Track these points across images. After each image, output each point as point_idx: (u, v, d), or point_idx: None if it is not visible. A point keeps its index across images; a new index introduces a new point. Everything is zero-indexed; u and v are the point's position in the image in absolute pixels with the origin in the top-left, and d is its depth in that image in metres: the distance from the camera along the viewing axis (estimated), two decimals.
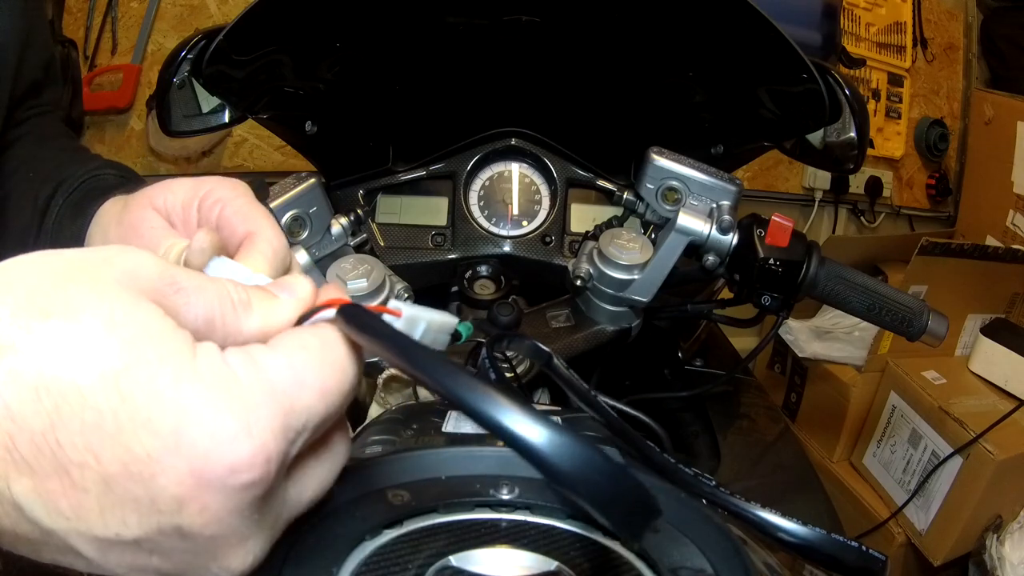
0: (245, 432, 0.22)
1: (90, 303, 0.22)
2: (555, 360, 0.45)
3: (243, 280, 0.29)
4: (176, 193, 0.37)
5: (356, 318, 0.26)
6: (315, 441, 0.26)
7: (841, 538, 0.33)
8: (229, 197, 0.35)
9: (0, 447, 0.21)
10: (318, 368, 0.25)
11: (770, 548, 0.36)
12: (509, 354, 0.60)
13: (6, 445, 0.21)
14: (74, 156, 0.64)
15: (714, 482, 0.36)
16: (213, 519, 0.22)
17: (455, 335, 0.31)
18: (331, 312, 0.27)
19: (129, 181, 0.57)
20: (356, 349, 0.26)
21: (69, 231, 0.50)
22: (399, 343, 0.24)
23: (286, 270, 0.34)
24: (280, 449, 0.23)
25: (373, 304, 0.33)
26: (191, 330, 0.24)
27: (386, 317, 0.28)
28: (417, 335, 0.29)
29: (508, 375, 0.59)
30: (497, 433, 0.21)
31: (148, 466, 0.21)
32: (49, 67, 0.67)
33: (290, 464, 0.24)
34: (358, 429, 0.44)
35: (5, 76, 0.58)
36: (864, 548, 0.33)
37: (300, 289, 0.28)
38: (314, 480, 0.26)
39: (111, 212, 0.45)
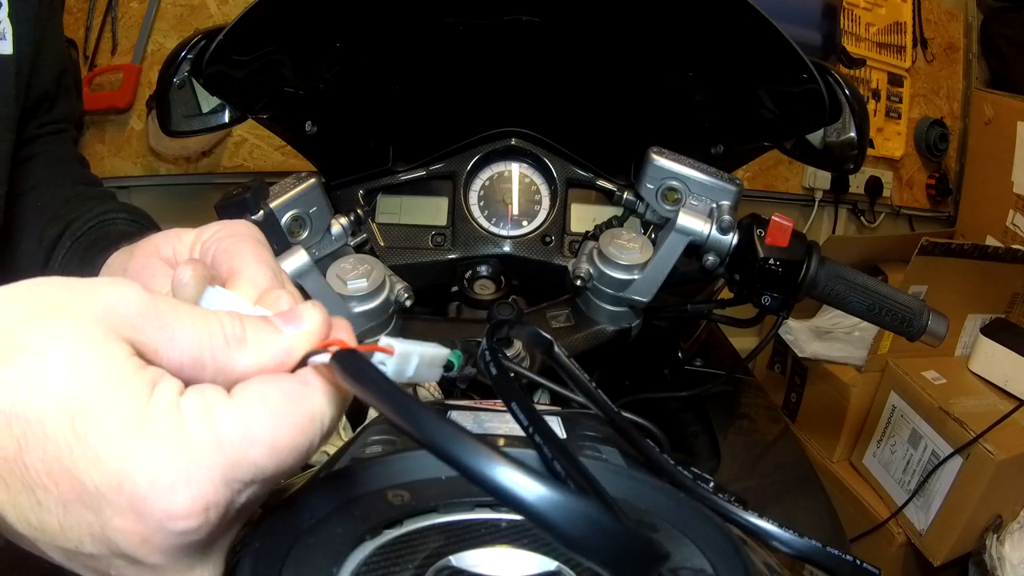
0: (184, 482, 0.23)
1: (61, 342, 0.23)
2: (556, 348, 0.45)
3: (243, 311, 0.28)
4: (183, 242, 0.36)
5: (350, 365, 0.25)
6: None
7: (835, 551, 0.33)
8: (224, 235, 0.34)
9: None
10: (272, 426, 0.24)
11: (770, 548, 0.36)
12: (509, 353, 0.60)
13: None
14: (86, 192, 0.63)
15: (712, 484, 0.36)
16: (155, 551, 0.23)
17: (447, 366, 0.31)
18: (326, 357, 0.26)
19: (141, 227, 0.57)
20: (334, 401, 0.26)
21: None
22: (396, 400, 0.24)
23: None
24: (221, 500, 0.23)
25: (367, 333, 0.32)
26: (176, 366, 0.25)
27: (378, 356, 0.28)
28: (411, 370, 0.29)
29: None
30: (500, 498, 0.21)
31: (97, 499, 0.23)
32: (61, 78, 0.66)
33: (242, 507, 0.25)
34: (358, 429, 0.44)
35: (19, 85, 0.58)
36: (858, 561, 0.33)
37: (308, 321, 0.27)
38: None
39: (117, 263, 0.44)
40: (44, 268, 0.55)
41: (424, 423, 0.23)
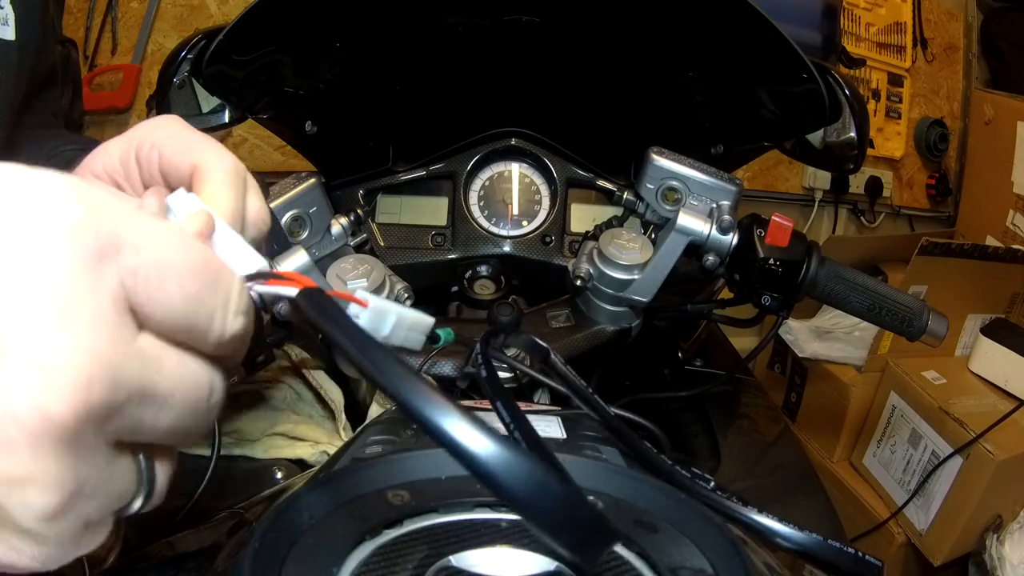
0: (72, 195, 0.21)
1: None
2: (552, 356, 0.45)
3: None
4: (112, 153, 0.34)
5: (318, 302, 0.24)
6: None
7: (837, 544, 0.33)
8: (163, 138, 0.33)
9: None
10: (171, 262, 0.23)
11: (770, 548, 0.36)
12: (509, 353, 0.60)
13: None
14: (60, 136, 0.61)
15: (712, 484, 0.36)
16: (29, 276, 0.20)
17: (433, 337, 0.30)
18: (293, 290, 0.26)
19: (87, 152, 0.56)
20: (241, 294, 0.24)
21: None
22: (353, 334, 0.23)
23: (244, 189, 0.32)
24: (103, 240, 0.21)
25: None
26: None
27: (352, 307, 0.27)
28: (386, 329, 0.28)
29: (507, 374, 0.59)
30: (442, 443, 0.21)
31: None
32: (53, 69, 0.66)
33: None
34: (358, 429, 0.44)
35: (21, 72, 0.58)
36: (860, 554, 0.33)
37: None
38: (172, 364, 0.23)
39: None
40: None
41: (378, 362, 0.22)
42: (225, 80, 0.66)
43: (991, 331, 1.44)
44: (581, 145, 0.84)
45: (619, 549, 0.30)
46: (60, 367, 0.19)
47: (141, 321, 0.22)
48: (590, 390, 0.43)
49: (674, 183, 0.64)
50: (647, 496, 0.34)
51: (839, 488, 1.48)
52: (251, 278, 0.26)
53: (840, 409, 1.49)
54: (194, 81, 0.68)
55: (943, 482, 1.31)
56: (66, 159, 0.54)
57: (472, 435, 0.20)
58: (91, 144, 0.58)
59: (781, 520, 0.34)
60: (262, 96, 0.71)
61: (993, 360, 1.42)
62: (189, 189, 0.31)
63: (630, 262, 0.63)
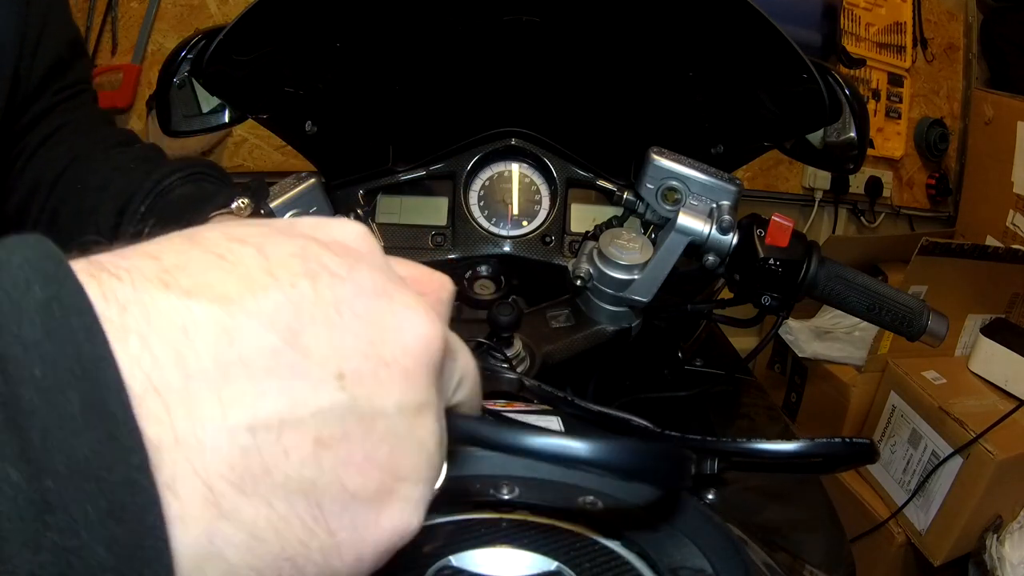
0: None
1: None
2: (526, 383, 0.47)
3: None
4: None
5: None
6: None
7: (824, 439, 0.35)
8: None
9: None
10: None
11: (770, 548, 0.36)
12: (509, 353, 0.60)
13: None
14: (133, 154, 0.60)
15: (698, 436, 0.38)
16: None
17: None
18: None
19: (222, 184, 0.55)
20: None
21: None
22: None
23: None
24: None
25: None
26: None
27: None
28: None
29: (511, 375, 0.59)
30: (562, 461, 0.25)
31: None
32: (75, 44, 0.65)
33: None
34: None
35: (3, 73, 0.57)
36: (849, 439, 0.34)
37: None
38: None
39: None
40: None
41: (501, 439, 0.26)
42: (225, 80, 0.66)
43: (991, 331, 1.44)
44: (581, 145, 0.84)
45: (619, 549, 0.30)
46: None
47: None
48: (570, 398, 0.46)
49: (674, 183, 0.64)
50: (647, 496, 0.34)
51: (839, 488, 1.48)
52: None
53: (840, 409, 1.49)
54: (194, 81, 0.68)
55: (943, 482, 1.31)
56: (204, 191, 0.53)
57: (574, 446, 0.25)
58: (216, 170, 0.56)
59: (767, 441, 0.35)
60: (262, 96, 0.71)
61: (993, 360, 1.42)
62: None
63: (630, 262, 0.63)
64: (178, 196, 0.56)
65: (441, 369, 0.23)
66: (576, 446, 0.25)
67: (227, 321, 0.18)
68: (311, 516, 0.19)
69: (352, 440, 0.20)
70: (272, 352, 0.19)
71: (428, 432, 0.22)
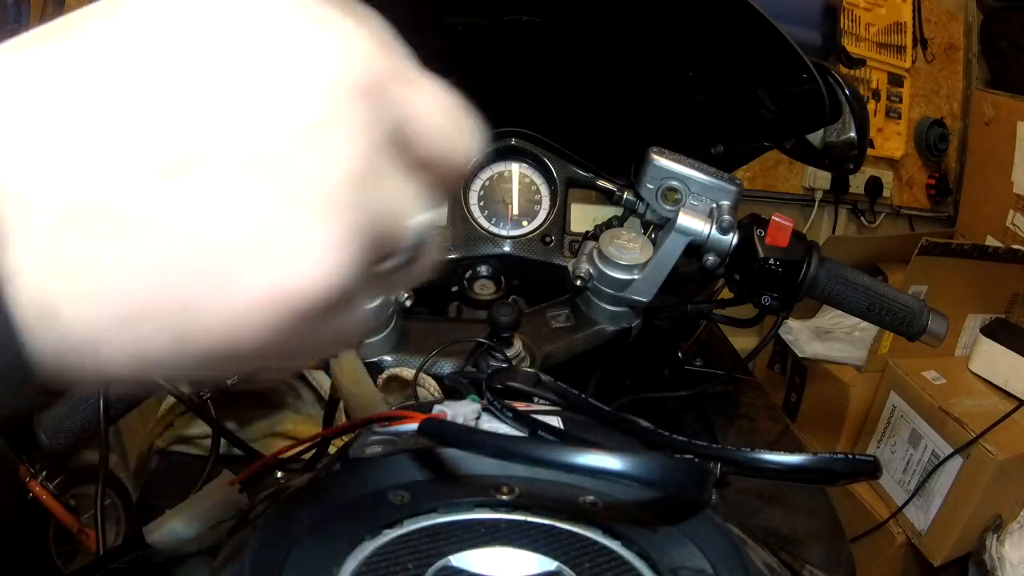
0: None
1: None
2: (542, 378, 0.48)
3: None
4: None
5: (439, 430, 0.32)
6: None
7: (827, 454, 0.35)
8: None
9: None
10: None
11: (770, 548, 0.36)
12: (509, 353, 0.60)
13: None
14: None
15: (704, 443, 0.39)
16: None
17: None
18: (414, 425, 0.33)
19: None
20: None
21: None
22: (484, 442, 0.30)
23: None
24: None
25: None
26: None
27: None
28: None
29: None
30: (600, 475, 0.28)
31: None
32: None
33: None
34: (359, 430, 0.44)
35: None
36: (852, 456, 0.35)
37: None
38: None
39: None
40: None
41: (530, 451, 0.29)
42: None
43: (991, 331, 1.44)
44: (581, 145, 0.84)
45: (619, 549, 0.30)
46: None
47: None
48: (583, 395, 0.45)
49: (674, 183, 0.64)
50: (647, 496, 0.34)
51: (839, 488, 1.48)
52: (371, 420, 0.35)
53: (840, 409, 1.49)
54: None
55: (943, 482, 1.31)
56: None
57: (612, 460, 0.28)
58: None
59: (770, 452, 0.36)
60: None
61: (993, 360, 1.42)
62: None
63: (630, 262, 0.63)
64: None
65: (362, 88, 0.18)
66: (612, 461, 0.27)
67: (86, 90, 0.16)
68: (150, 265, 0.16)
69: (205, 172, 0.16)
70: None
71: (329, 160, 0.17)
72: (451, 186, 0.23)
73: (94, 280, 0.16)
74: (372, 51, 0.19)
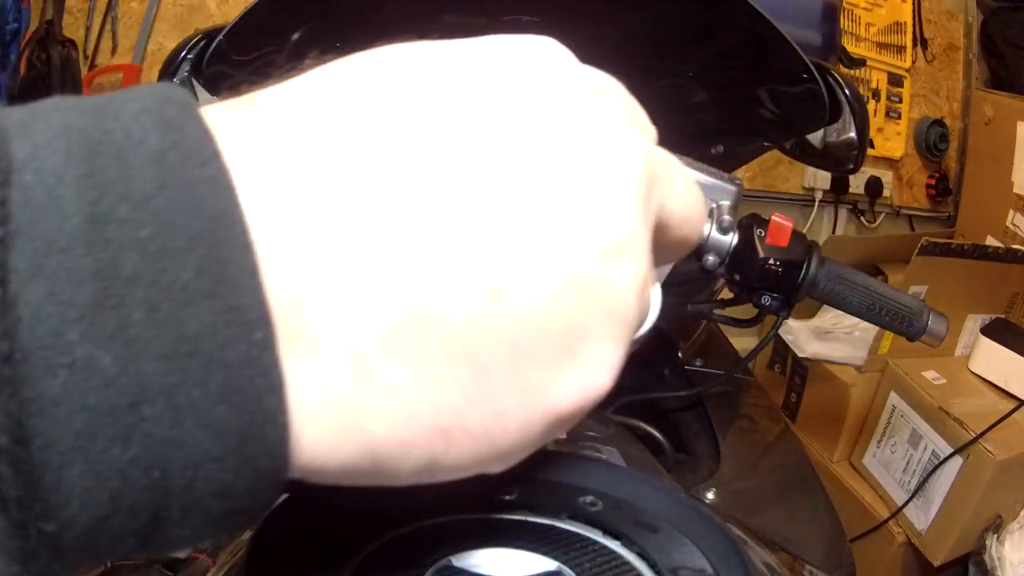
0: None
1: None
2: None
3: None
4: None
5: None
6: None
7: None
8: None
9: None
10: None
11: (770, 548, 0.36)
12: None
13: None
14: None
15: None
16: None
17: None
18: None
19: None
20: None
21: None
22: None
23: None
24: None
25: None
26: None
27: None
28: None
29: None
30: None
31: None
32: None
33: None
34: None
35: None
36: None
37: None
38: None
39: None
40: None
41: None
42: (225, 80, 0.66)
43: (991, 331, 1.44)
44: None
45: (619, 549, 0.30)
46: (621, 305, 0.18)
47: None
48: None
49: None
50: (647, 496, 0.34)
51: (839, 488, 1.48)
52: None
53: (840, 409, 1.49)
54: (194, 81, 0.68)
55: (943, 482, 1.31)
56: None
57: None
58: None
59: None
60: None
61: (993, 360, 1.42)
62: None
63: None
64: None
65: (648, 192, 0.18)
66: None
67: (379, 192, 0.15)
68: (472, 380, 0.16)
69: (529, 290, 0.16)
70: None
71: (627, 277, 0.17)
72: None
73: (414, 396, 0.16)
74: (649, 147, 0.19)
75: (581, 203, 0.17)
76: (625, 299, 0.17)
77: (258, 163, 0.15)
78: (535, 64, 0.19)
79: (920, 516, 1.36)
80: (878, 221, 2.03)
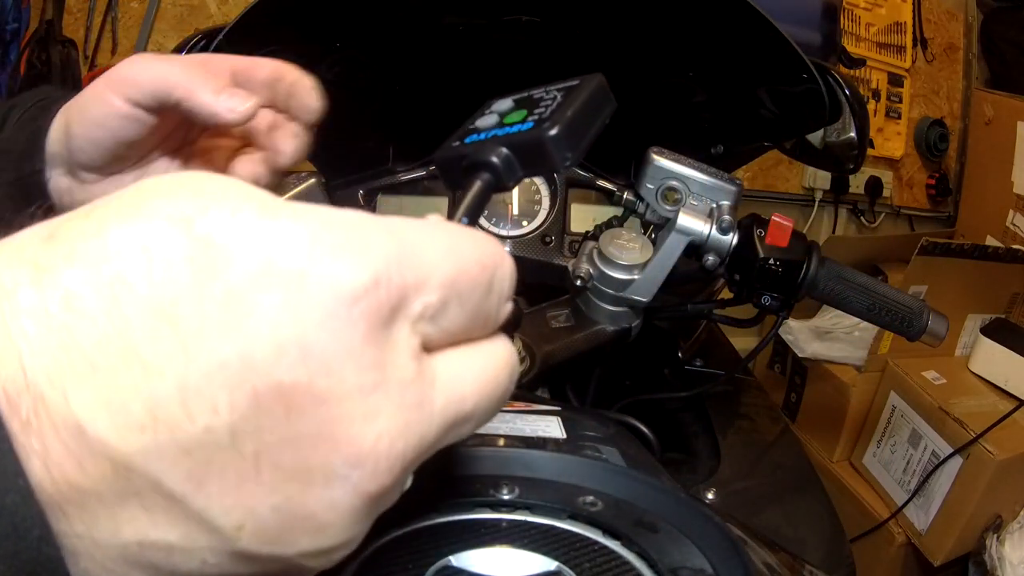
0: (346, 245, 0.18)
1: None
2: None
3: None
4: (165, 73, 0.37)
5: None
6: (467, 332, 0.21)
7: None
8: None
9: (56, 343, 0.17)
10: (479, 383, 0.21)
11: (770, 548, 0.36)
12: None
13: (63, 340, 0.17)
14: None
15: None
16: (319, 365, 0.17)
17: None
18: None
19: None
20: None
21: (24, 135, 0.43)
22: None
23: None
24: (393, 297, 0.19)
25: None
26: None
27: None
28: None
29: None
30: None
31: (238, 304, 0.17)
32: None
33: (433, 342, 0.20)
34: None
35: None
36: None
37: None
38: (468, 371, 0.21)
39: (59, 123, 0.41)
40: None
41: None
42: None
43: (991, 331, 1.44)
44: None
45: (619, 549, 0.30)
46: (376, 459, 0.18)
47: (425, 346, 0.20)
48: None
49: (674, 183, 0.64)
50: (647, 496, 0.34)
51: (839, 488, 1.48)
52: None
53: (840, 409, 1.49)
54: None
55: (943, 482, 1.31)
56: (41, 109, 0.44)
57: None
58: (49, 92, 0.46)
59: None
60: None
61: (993, 360, 1.42)
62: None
63: (630, 262, 0.63)
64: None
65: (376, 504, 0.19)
66: None
67: (119, 450, 0.17)
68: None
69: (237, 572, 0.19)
70: (168, 497, 0.17)
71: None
72: None
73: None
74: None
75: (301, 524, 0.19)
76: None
77: (25, 429, 0.17)
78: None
79: (920, 516, 1.36)
80: (878, 221, 2.03)
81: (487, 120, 0.32)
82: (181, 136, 0.44)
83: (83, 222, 0.18)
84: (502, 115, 0.32)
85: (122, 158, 0.41)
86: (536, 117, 0.29)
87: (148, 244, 0.17)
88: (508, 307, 0.22)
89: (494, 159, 0.28)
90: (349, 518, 0.19)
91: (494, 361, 0.22)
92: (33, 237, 0.18)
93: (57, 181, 0.41)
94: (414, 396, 0.19)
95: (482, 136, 0.31)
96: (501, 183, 0.28)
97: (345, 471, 0.18)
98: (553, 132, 0.28)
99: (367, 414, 0.18)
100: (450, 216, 0.26)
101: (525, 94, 0.34)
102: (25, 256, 0.18)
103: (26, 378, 0.17)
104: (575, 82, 0.32)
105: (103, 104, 0.38)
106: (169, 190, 0.19)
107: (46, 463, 0.17)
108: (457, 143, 0.32)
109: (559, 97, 0.31)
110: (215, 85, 0.38)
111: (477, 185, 0.28)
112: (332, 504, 0.18)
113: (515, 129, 0.29)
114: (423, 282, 0.19)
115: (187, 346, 0.17)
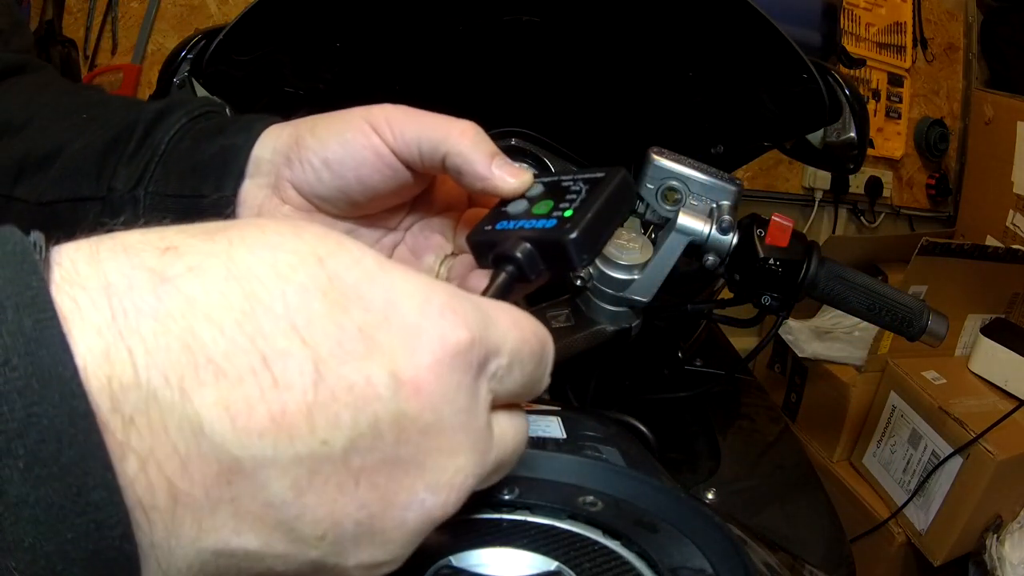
0: (451, 309, 0.21)
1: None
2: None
3: None
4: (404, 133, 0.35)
5: None
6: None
7: None
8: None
9: (178, 346, 0.17)
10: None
11: (770, 548, 0.36)
12: None
13: (186, 343, 0.18)
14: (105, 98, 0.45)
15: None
16: (428, 401, 0.20)
17: None
18: None
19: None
20: None
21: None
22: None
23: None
24: (481, 356, 0.22)
25: None
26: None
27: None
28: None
29: None
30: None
31: (366, 339, 0.19)
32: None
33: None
34: None
35: None
36: None
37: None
38: (511, 430, 0.25)
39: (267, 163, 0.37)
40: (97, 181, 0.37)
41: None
42: (225, 80, 0.66)
43: (991, 331, 1.44)
44: (581, 145, 0.84)
45: (619, 549, 0.30)
46: (450, 489, 0.22)
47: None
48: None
49: (674, 183, 0.64)
50: (647, 496, 0.34)
51: (839, 488, 1.48)
52: None
53: (840, 409, 1.49)
54: (194, 81, 0.68)
55: (943, 482, 1.31)
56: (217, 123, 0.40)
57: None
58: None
59: None
60: (262, 96, 0.71)
61: (993, 360, 1.42)
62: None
63: (630, 262, 0.63)
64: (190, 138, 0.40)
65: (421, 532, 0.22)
66: None
67: (232, 453, 0.18)
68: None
69: None
70: (265, 504, 0.18)
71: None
72: None
73: None
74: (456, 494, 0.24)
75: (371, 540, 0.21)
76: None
77: (126, 432, 0.17)
78: None
79: (920, 516, 1.36)
80: (878, 221, 2.03)
81: (517, 207, 0.34)
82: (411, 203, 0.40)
83: (207, 242, 0.20)
84: (531, 202, 0.34)
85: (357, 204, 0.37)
86: (559, 214, 0.32)
87: (283, 272, 0.19)
88: (548, 380, 0.27)
89: (519, 255, 0.31)
90: (411, 537, 0.21)
91: (524, 426, 0.26)
92: (145, 245, 0.19)
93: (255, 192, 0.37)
94: (484, 442, 0.22)
95: (510, 225, 0.33)
96: (524, 277, 0.31)
97: (423, 495, 0.21)
98: (573, 236, 0.30)
99: (452, 449, 0.21)
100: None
101: (554, 178, 0.36)
102: (142, 262, 0.18)
103: (137, 376, 0.17)
104: (601, 174, 0.34)
105: (362, 137, 0.34)
106: (292, 231, 0.21)
107: (144, 462, 0.17)
108: (489, 227, 0.34)
109: (583, 192, 0.33)
110: (488, 149, 0.36)
111: (502, 277, 0.31)
112: (403, 523, 0.21)
113: (540, 224, 0.32)
114: (498, 347, 0.23)
115: (318, 366, 0.18)
